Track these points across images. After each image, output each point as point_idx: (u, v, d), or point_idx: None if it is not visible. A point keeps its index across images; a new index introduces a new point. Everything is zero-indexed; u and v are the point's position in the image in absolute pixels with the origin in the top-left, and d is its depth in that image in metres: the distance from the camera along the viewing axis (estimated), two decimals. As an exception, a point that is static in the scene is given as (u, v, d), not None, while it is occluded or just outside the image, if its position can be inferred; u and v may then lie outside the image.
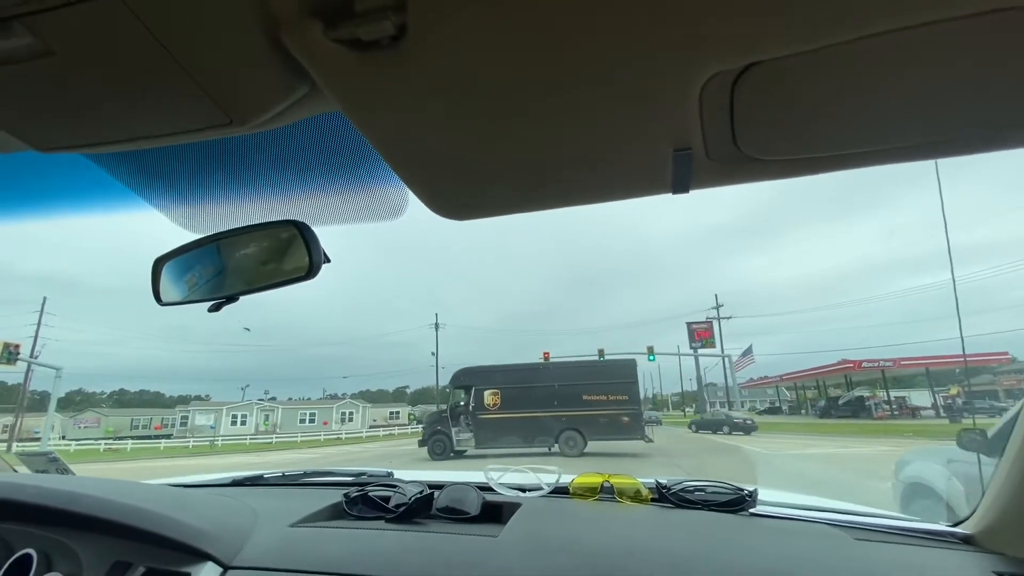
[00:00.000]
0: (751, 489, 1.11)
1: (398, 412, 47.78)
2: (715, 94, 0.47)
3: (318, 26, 0.42)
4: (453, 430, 14.06)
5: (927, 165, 0.65)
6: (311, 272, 0.76)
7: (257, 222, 0.83)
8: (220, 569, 0.81)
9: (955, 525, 0.97)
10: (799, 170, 0.60)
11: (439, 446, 14.03)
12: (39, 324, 30.45)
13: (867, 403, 30.93)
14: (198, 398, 51.98)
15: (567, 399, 13.80)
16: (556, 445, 13.53)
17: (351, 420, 42.57)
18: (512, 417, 13.87)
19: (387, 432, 35.24)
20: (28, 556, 0.78)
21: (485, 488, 1.18)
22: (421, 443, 14.58)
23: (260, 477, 1.47)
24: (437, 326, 41.15)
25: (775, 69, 0.44)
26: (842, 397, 32.35)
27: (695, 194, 0.65)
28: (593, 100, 0.48)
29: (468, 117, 0.51)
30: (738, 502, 1.09)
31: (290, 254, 0.79)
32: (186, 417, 40.17)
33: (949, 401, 28.96)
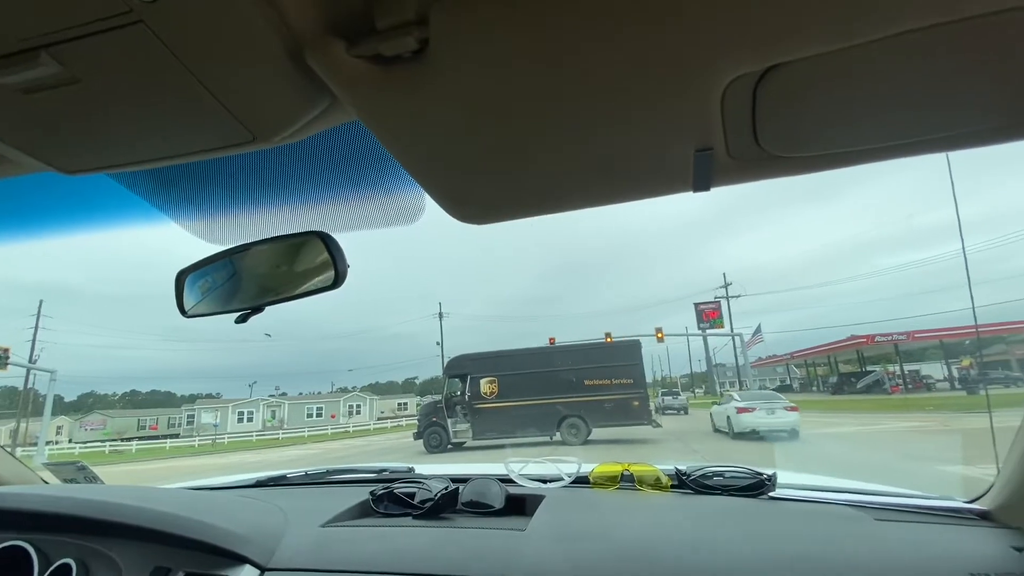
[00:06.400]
0: (770, 472, 1.11)
1: (406, 403, 47.87)
2: (737, 95, 0.48)
3: (340, 44, 0.44)
4: (449, 421, 13.57)
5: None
6: (337, 282, 0.77)
7: (276, 233, 0.84)
8: (257, 571, 0.81)
9: (972, 502, 0.99)
10: (820, 165, 0.60)
11: (435, 438, 13.57)
12: (36, 328, 30.29)
13: (880, 379, 30.31)
14: (209, 396, 52.46)
15: (568, 384, 13.19)
16: (558, 433, 12.99)
17: (359, 413, 42.76)
18: (511, 405, 13.27)
19: (395, 424, 35.25)
20: (67, 566, 0.80)
21: (506, 480, 1.19)
22: (416, 436, 14.12)
23: (283, 477, 1.48)
24: (441, 315, 40.89)
25: (796, 70, 0.45)
26: (856, 374, 31.82)
27: None
28: (615, 106, 0.49)
29: (489, 125, 0.51)
30: (758, 486, 1.09)
31: (315, 264, 0.78)
32: (192, 416, 40.23)
33: (963, 373, 28.36)
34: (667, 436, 13.15)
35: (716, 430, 13.65)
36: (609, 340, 16.05)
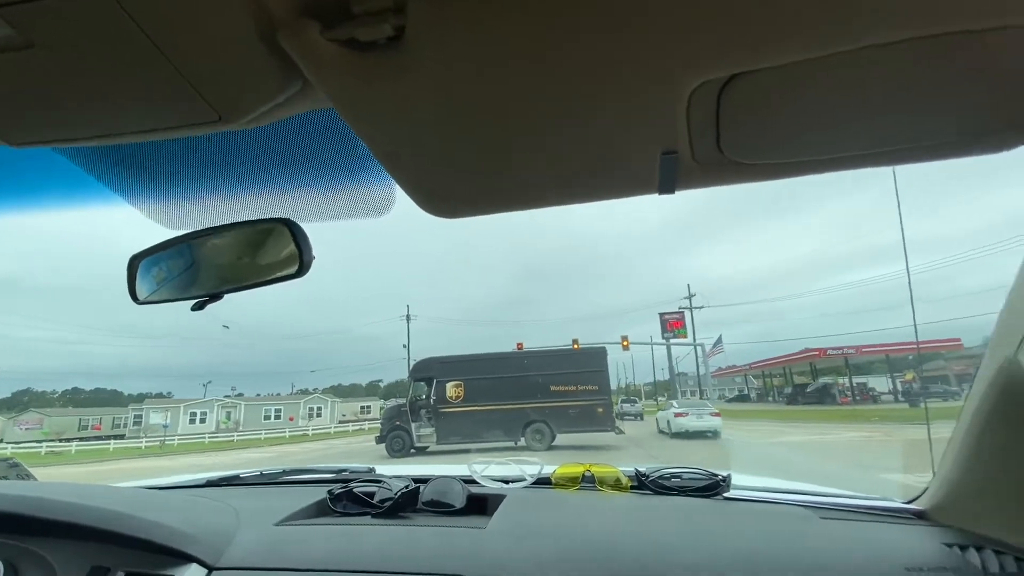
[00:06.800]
0: (725, 474, 1.15)
1: (369, 406, 46.90)
2: (702, 101, 0.49)
3: (315, 26, 0.43)
4: (413, 425, 13.42)
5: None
6: (302, 270, 0.75)
7: (241, 219, 0.81)
8: (205, 571, 0.80)
9: (910, 502, 1.04)
10: (778, 173, 0.62)
11: (398, 442, 13.38)
12: (-31, 319, 28.12)
13: (831, 390, 31.78)
14: (159, 395, 50.08)
15: (534, 390, 13.23)
16: (522, 439, 13.01)
17: (319, 415, 41.65)
18: (476, 410, 13.22)
19: (357, 427, 34.44)
20: None
21: (469, 481, 1.19)
22: (379, 439, 13.88)
23: (236, 477, 1.44)
24: (408, 318, 40.32)
25: (758, 79, 0.47)
26: (810, 385, 33.39)
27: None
28: (585, 104, 0.50)
29: (463, 118, 0.52)
30: (713, 487, 1.12)
31: (279, 252, 0.76)
32: (140, 416, 38.24)
33: (906, 386, 29.96)
34: (627, 442, 13.36)
35: (660, 431, 16.31)
36: (577, 347, 16.21)
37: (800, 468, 8.19)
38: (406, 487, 1.05)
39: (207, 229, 0.82)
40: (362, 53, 0.44)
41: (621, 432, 13.52)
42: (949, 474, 0.93)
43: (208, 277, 0.83)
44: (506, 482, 1.24)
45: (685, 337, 30.60)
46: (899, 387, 30.80)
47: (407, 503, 1.03)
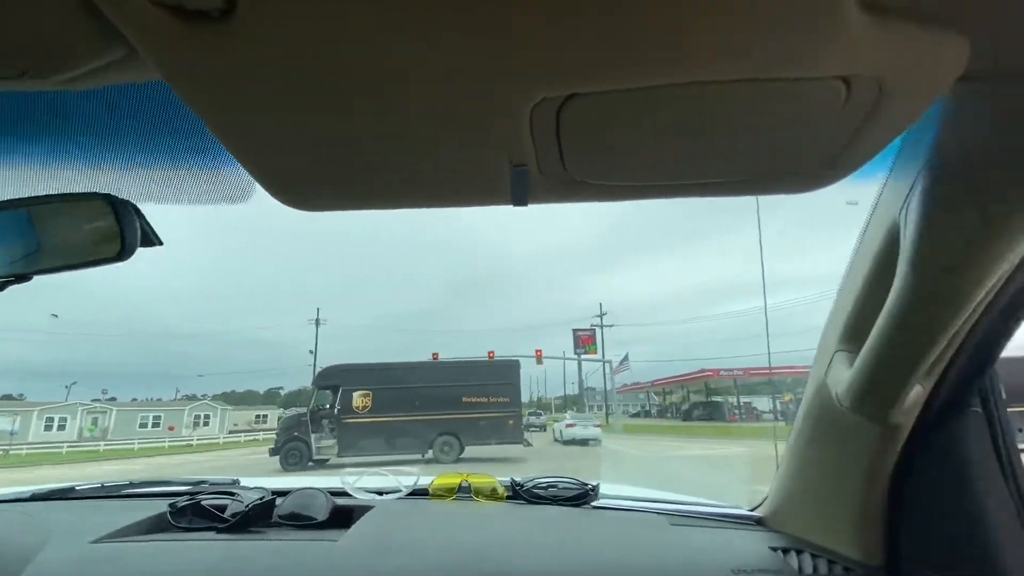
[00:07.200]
0: (595, 484, 1.22)
1: (266, 415, 43.55)
2: (544, 117, 0.49)
3: None
4: (313, 436, 12.60)
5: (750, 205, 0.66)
6: (124, 253, 0.69)
7: (61, 192, 0.74)
8: None
9: (753, 509, 1.13)
10: (619, 195, 0.63)
11: (294, 455, 12.48)
12: None
13: (722, 408, 34.87)
14: (7, 397, 43.13)
15: (444, 401, 13.00)
16: (431, 451, 12.71)
17: (207, 424, 38.05)
18: (383, 421, 12.71)
19: (250, 438, 31.75)
20: None
21: (340, 493, 1.15)
22: (273, 451, 12.87)
23: (71, 489, 1.29)
24: (318, 321, 38.14)
25: (593, 101, 0.47)
26: (704, 403, 36.42)
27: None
28: (433, 104, 0.48)
29: (302, 103, 0.48)
30: (583, 496, 1.18)
31: (101, 231, 0.70)
32: (-24, 421, 32.44)
33: (784, 406, 33.52)
34: (533, 455, 13.55)
35: (555, 440, 18.89)
36: (492, 357, 16.28)
37: (696, 482, 8.82)
38: (260, 499, 0.99)
39: (14, 200, 0.72)
40: (192, 23, 0.39)
41: (529, 444, 13.70)
42: (782, 484, 1.03)
43: (14, 255, 0.74)
44: (380, 493, 1.20)
45: (595, 353, 31.91)
46: (779, 407, 34.38)
47: (260, 516, 0.97)
